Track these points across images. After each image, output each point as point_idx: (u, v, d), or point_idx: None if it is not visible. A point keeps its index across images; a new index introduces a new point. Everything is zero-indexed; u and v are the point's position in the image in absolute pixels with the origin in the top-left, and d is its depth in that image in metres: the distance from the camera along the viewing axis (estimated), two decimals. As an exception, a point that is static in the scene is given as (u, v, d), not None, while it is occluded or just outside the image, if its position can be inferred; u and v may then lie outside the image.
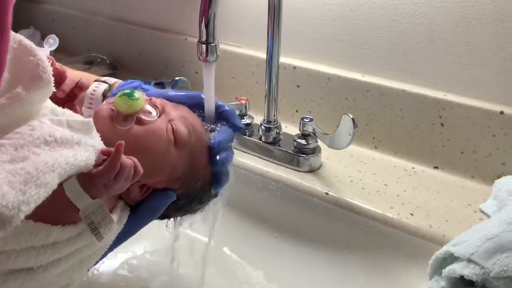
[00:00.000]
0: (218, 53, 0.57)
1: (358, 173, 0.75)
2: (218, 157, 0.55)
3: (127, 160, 0.43)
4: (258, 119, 0.83)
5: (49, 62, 0.46)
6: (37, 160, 0.36)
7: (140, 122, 0.49)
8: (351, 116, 0.63)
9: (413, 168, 0.77)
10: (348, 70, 0.82)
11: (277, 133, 0.78)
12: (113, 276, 0.72)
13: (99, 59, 1.14)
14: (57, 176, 0.37)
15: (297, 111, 0.89)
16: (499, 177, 0.69)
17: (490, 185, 0.70)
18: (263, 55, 0.90)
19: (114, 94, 0.60)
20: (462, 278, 0.50)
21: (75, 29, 1.21)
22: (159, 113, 0.51)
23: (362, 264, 0.68)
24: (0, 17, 0.31)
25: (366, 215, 0.67)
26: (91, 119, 0.45)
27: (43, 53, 0.42)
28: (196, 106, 0.59)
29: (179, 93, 0.60)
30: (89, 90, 0.61)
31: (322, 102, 0.85)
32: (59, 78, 0.54)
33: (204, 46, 0.56)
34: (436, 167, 0.76)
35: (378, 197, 0.69)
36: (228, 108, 0.60)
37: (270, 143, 0.78)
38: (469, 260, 0.49)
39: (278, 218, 0.76)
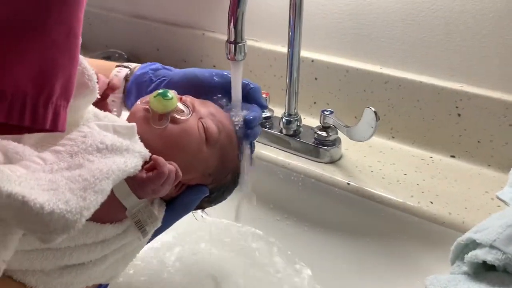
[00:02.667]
0: (246, 52, 0.59)
1: (378, 163, 0.78)
2: (255, 130, 0.59)
3: (171, 166, 0.46)
4: (276, 111, 0.85)
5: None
6: (92, 167, 0.39)
7: (174, 121, 0.52)
8: (373, 109, 0.66)
9: (431, 157, 0.79)
10: (366, 62, 0.84)
11: (297, 125, 0.80)
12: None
13: (117, 55, 1.16)
14: (112, 182, 0.39)
15: (315, 103, 0.91)
16: (515, 165, 0.72)
17: (507, 173, 0.72)
18: (280, 48, 0.92)
19: (136, 75, 0.63)
20: (484, 263, 0.53)
21: (92, 25, 1.23)
22: (191, 111, 0.54)
23: (384, 251, 0.71)
24: (71, 44, 0.33)
25: (387, 204, 0.70)
26: (134, 125, 0.47)
27: (86, 61, 0.45)
28: (219, 82, 0.61)
29: (203, 70, 0.62)
30: (111, 75, 0.64)
31: (340, 94, 0.87)
32: None
33: (232, 46, 0.58)
34: (453, 156, 0.79)
35: (398, 186, 0.72)
36: (253, 86, 0.62)
37: (291, 136, 0.80)
38: (491, 246, 0.51)
39: (300, 207, 0.79)
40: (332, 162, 0.78)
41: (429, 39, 0.76)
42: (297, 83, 0.78)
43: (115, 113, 0.66)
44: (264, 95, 0.82)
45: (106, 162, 0.40)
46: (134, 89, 0.64)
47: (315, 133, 0.78)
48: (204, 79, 0.61)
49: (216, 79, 0.61)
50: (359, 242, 0.73)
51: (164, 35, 1.10)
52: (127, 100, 0.65)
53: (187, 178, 0.53)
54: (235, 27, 0.58)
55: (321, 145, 0.77)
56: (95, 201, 0.37)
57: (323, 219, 0.77)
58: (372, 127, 0.66)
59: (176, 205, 0.54)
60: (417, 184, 0.72)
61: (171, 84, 0.62)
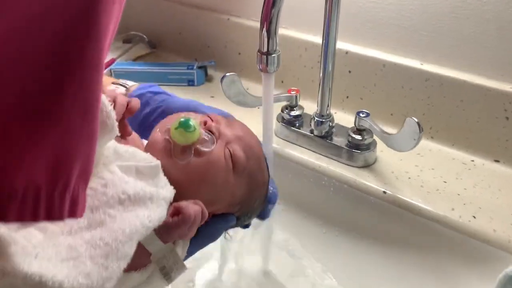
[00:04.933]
0: (280, 63, 0.54)
1: (415, 168, 0.73)
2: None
3: (197, 208, 0.43)
4: (306, 106, 0.80)
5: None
6: (114, 227, 0.36)
7: (198, 153, 0.48)
8: (416, 120, 0.60)
9: (472, 161, 0.74)
10: (405, 57, 0.77)
11: (330, 126, 0.75)
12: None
13: (137, 37, 1.12)
14: (135, 243, 0.36)
15: (347, 97, 0.86)
16: None
17: (558, 184, 0.67)
18: (312, 38, 0.86)
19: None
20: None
21: (111, 4, 1.18)
22: (216, 138, 0.50)
23: (419, 264, 0.67)
24: (89, 125, 0.29)
25: (426, 216, 0.66)
26: (158, 164, 0.44)
27: (105, 98, 0.40)
28: None
29: (208, 110, 0.57)
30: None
31: (375, 89, 0.81)
32: None
33: (264, 57, 0.53)
34: (497, 161, 0.73)
35: (438, 196, 0.67)
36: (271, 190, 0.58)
37: (322, 137, 0.76)
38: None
39: (330, 211, 0.75)
40: (367, 166, 0.74)
41: (478, 35, 0.70)
42: (331, 79, 0.72)
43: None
44: (293, 92, 0.77)
45: (129, 219, 0.37)
46: None
47: (349, 135, 0.73)
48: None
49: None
50: (393, 252, 0.70)
51: (187, 18, 1.04)
52: None
53: (213, 209, 0.50)
54: (268, 33, 0.52)
55: (354, 149, 0.73)
56: (118, 268, 0.35)
57: (353, 224, 0.73)
58: (415, 139, 0.61)
59: (200, 236, 0.50)
60: (458, 194, 0.68)
61: (168, 113, 0.57)
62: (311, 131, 0.76)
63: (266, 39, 0.52)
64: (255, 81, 0.93)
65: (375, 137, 0.73)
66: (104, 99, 0.40)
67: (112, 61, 1.00)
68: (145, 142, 0.53)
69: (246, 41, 0.96)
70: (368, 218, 0.71)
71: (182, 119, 0.47)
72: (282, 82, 0.92)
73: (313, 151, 0.77)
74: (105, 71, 0.61)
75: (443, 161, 0.74)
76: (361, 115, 0.71)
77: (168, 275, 0.42)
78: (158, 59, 1.07)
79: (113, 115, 0.40)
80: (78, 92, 0.26)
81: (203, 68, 0.97)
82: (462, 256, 0.64)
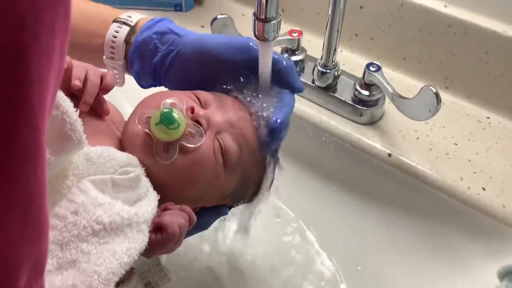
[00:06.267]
0: (280, 30, 0.45)
1: (425, 125, 0.66)
2: (280, 135, 0.49)
3: (182, 222, 0.37)
4: (308, 42, 0.70)
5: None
6: (88, 269, 0.31)
7: (183, 150, 0.41)
8: (434, 89, 0.53)
9: (488, 118, 0.68)
10: (427, -4, 0.67)
11: (334, 76, 0.67)
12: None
13: None
14: (113, 286, 0.32)
15: (356, 35, 0.76)
16: None
17: None
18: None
19: (139, 42, 0.50)
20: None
21: None
22: (204, 130, 0.43)
23: (418, 231, 0.64)
24: (34, 224, 0.22)
25: (432, 185, 0.61)
26: (138, 174, 0.37)
27: (68, 101, 0.33)
28: (242, 60, 0.48)
29: (220, 41, 0.49)
30: (109, 35, 0.51)
31: (389, 30, 0.71)
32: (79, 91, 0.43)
33: (261, 24, 0.43)
34: (515, 119, 0.67)
35: (447, 163, 0.62)
36: (285, 65, 0.50)
37: (325, 88, 0.68)
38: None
39: (328, 167, 0.70)
40: (372, 122, 0.67)
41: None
42: (341, 18, 0.61)
43: (118, 81, 0.55)
44: (295, 35, 0.68)
45: (104, 257, 0.32)
46: (137, 58, 0.52)
47: (356, 89, 0.65)
48: (219, 55, 0.48)
49: (236, 56, 0.48)
50: (392, 215, 0.66)
51: None
52: (130, 68, 0.53)
53: (202, 205, 0.45)
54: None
55: (360, 104, 0.66)
56: None
57: (352, 182, 0.69)
58: (430, 112, 0.54)
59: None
60: (469, 160, 0.63)
61: (179, 60, 0.49)
62: (313, 81, 0.68)
63: (264, 2, 0.42)
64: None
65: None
66: (67, 106, 0.33)
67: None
68: (129, 112, 0.46)
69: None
70: (369, 178, 0.67)
71: (164, 111, 0.40)
72: (283, 11, 0.81)
73: (314, 103, 0.70)
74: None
75: (456, 117, 0.68)
76: (371, 68, 0.63)
77: (153, 290, 0.39)
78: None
79: (79, 126, 0.34)
80: (11, 189, 0.20)
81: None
82: (466, 228, 0.61)
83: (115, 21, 0.52)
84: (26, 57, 0.19)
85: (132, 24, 0.52)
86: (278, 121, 0.48)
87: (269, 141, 0.47)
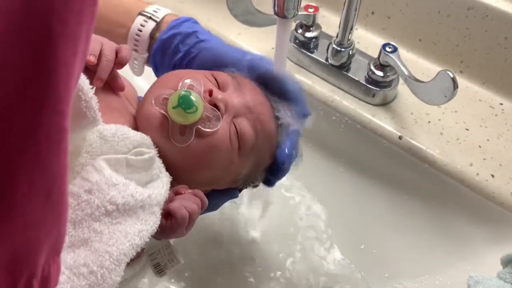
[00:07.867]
0: (300, 7, 0.44)
1: (438, 108, 0.66)
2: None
3: (193, 207, 0.38)
4: (323, 18, 0.68)
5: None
6: (100, 249, 0.31)
7: (200, 134, 0.41)
8: (451, 74, 0.52)
9: (501, 104, 0.67)
10: (448, -24, 0.65)
11: (349, 55, 0.66)
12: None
13: None
14: (124, 266, 0.32)
15: (373, 13, 0.74)
16: None
17: None
18: None
19: (163, 40, 0.50)
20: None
21: None
22: (222, 114, 0.42)
23: (423, 213, 0.65)
24: (53, 207, 0.22)
25: (441, 170, 0.61)
26: (153, 155, 0.37)
27: (84, 78, 0.32)
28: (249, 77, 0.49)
29: (234, 54, 0.50)
30: (134, 28, 0.51)
31: (406, 9, 0.70)
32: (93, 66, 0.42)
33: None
34: (528, 107, 0.66)
35: (457, 148, 0.62)
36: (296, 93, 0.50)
37: (339, 67, 0.67)
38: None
39: (337, 146, 0.70)
40: (385, 104, 0.67)
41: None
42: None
43: (136, 71, 0.55)
44: (311, 10, 0.67)
45: (116, 237, 0.32)
46: (159, 54, 0.52)
47: (370, 69, 0.65)
48: (230, 69, 0.48)
49: (245, 73, 0.48)
50: (398, 196, 0.67)
51: None
52: (151, 61, 0.53)
53: (213, 187, 0.46)
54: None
55: (374, 85, 0.65)
56: None
57: (360, 162, 0.69)
58: (446, 97, 0.53)
59: None
60: (479, 147, 0.62)
61: (195, 64, 0.50)
62: (326, 59, 0.67)
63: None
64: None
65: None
66: (83, 83, 0.33)
67: None
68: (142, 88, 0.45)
69: None
70: (378, 160, 0.67)
71: (181, 94, 0.39)
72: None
73: (326, 81, 0.69)
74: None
75: (469, 102, 0.67)
76: (387, 49, 0.62)
77: (162, 272, 0.39)
78: None
79: (94, 103, 0.33)
80: (35, 174, 0.20)
81: None
82: (472, 214, 0.61)
83: (141, 14, 0.52)
84: (54, 42, 0.18)
85: (158, 20, 0.52)
86: (286, 150, 0.48)
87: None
